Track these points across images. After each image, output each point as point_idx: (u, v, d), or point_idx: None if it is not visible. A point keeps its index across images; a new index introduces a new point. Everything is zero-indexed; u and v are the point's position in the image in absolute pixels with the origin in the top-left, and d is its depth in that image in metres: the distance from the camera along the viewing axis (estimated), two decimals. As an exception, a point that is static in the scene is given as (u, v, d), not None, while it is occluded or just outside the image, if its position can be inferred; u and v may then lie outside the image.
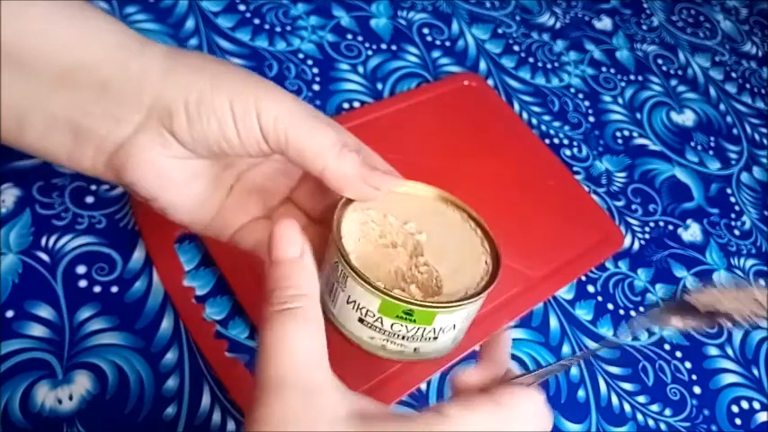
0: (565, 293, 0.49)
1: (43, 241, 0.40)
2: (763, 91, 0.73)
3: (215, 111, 0.27)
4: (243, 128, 0.27)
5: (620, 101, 0.65)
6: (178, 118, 0.27)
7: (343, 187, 0.29)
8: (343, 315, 0.29)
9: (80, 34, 0.26)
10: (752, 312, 0.29)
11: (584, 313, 0.48)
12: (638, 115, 0.64)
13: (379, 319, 0.28)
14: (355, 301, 0.28)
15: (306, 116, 0.28)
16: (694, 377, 0.48)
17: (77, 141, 0.27)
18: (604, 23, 0.72)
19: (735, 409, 0.47)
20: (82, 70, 0.26)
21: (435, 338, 0.29)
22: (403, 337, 0.29)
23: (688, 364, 0.48)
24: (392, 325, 0.28)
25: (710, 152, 0.64)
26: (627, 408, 0.45)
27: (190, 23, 0.54)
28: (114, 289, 0.40)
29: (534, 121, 0.59)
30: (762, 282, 0.30)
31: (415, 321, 0.28)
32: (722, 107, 0.69)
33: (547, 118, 0.60)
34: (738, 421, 0.47)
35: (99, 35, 0.27)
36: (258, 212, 0.33)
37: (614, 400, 0.45)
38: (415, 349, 0.29)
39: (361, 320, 0.29)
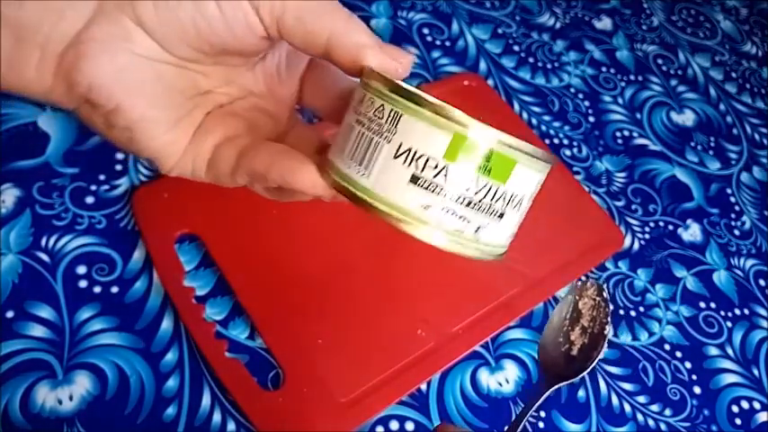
0: (565, 293, 0.49)
1: (43, 241, 0.40)
2: (763, 91, 0.73)
3: None
4: (230, 6, 0.22)
5: (620, 101, 0.65)
6: (146, 5, 0.22)
7: (360, 52, 0.23)
8: (387, 179, 0.22)
9: None
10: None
11: (584, 313, 0.48)
12: (638, 115, 0.64)
13: (444, 171, 0.22)
14: (410, 150, 0.22)
15: None
16: (694, 377, 0.48)
17: (17, 46, 0.22)
18: (604, 23, 0.72)
19: (735, 409, 0.47)
20: None
21: (501, 216, 0.23)
22: (469, 203, 0.22)
23: (688, 364, 0.48)
24: (461, 179, 0.22)
25: (710, 152, 0.64)
26: (627, 408, 0.45)
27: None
28: (114, 289, 0.40)
29: (534, 121, 0.59)
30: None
31: (490, 174, 0.22)
32: (722, 107, 0.69)
33: (547, 118, 0.60)
34: (738, 421, 0.47)
35: None
36: (235, 131, 0.26)
37: (614, 400, 0.45)
38: (477, 229, 0.23)
39: (414, 179, 0.22)
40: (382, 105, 0.22)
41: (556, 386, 0.31)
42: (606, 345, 0.32)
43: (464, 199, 0.22)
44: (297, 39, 0.23)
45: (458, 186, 0.22)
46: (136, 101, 0.23)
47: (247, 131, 0.27)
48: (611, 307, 0.32)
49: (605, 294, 0.32)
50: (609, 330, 0.32)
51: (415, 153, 0.22)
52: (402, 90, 0.22)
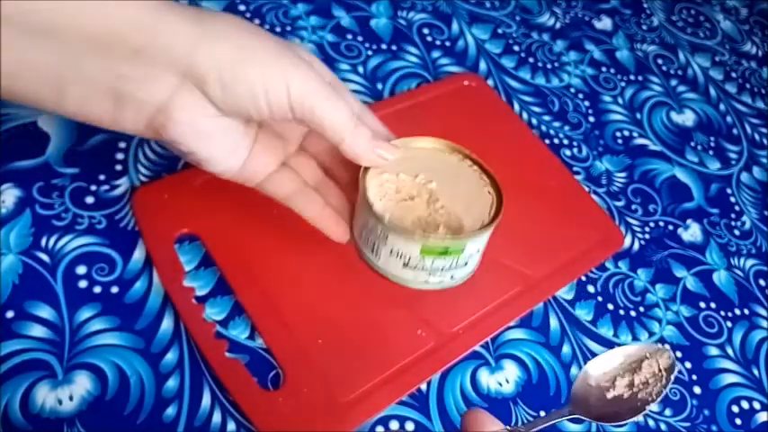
0: (565, 293, 0.49)
1: (43, 242, 0.40)
2: (763, 91, 0.73)
3: (249, 85, 0.30)
4: (274, 102, 0.31)
5: (620, 101, 0.65)
6: (213, 87, 0.30)
7: (359, 158, 0.34)
8: (389, 264, 0.35)
9: (108, 1, 0.27)
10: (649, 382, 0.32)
11: (584, 313, 0.48)
12: (638, 115, 0.64)
13: (421, 261, 0.35)
14: (399, 251, 0.34)
15: (329, 93, 0.32)
16: (694, 377, 0.48)
17: (118, 106, 0.30)
18: (604, 23, 0.72)
19: (735, 409, 0.47)
20: (114, 37, 0.28)
21: (466, 264, 0.36)
22: (442, 269, 0.35)
23: (688, 364, 0.48)
24: (432, 262, 0.35)
25: (710, 152, 0.64)
26: (627, 408, 0.45)
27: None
28: (114, 289, 0.40)
29: (534, 121, 0.59)
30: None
31: (450, 254, 0.35)
32: (722, 107, 0.69)
33: (547, 118, 0.60)
34: (738, 421, 0.47)
35: (126, 2, 0.28)
36: (280, 158, 0.37)
37: (614, 400, 0.45)
38: (451, 276, 0.36)
39: (405, 265, 0.35)
40: (376, 225, 0.35)
41: (574, 416, 0.31)
42: (637, 418, 0.32)
43: (439, 268, 0.36)
44: (316, 132, 0.33)
45: (433, 265, 0.35)
46: (205, 147, 0.32)
47: (284, 151, 0.37)
48: (668, 389, 0.31)
49: (673, 375, 0.32)
50: (650, 406, 0.31)
51: (402, 253, 0.35)
52: (383, 222, 0.34)
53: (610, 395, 0.32)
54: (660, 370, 0.32)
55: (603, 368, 0.32)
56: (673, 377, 0.32)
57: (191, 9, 0.30)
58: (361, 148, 0.34)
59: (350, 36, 0.59)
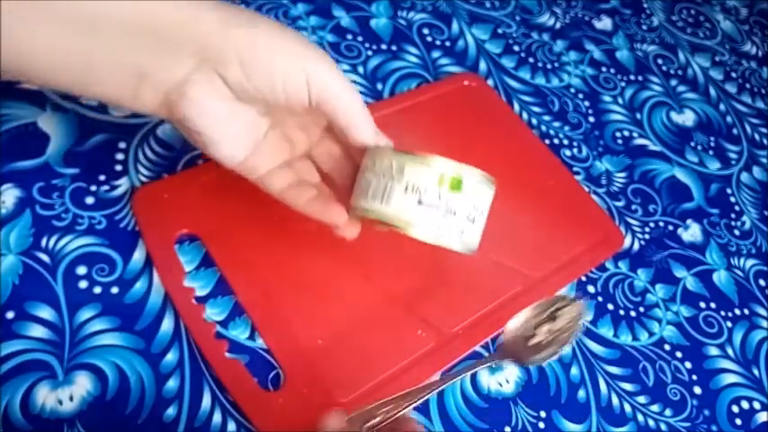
0: (565, 293, 0.49)
1: (43, 242, 0.40)
2: (763, 91, 0.73)
3: (270, 73, 0.31)
4: (292, 90, 0.32)
5: (620, 101, 0.65)
6: (233, 71, 0.31)
7: (366, 140, 0.35)
8: (402, 206, 0.34)
9: None
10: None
11: (584, 313, 0.48)
12: (638, 115, 0.64)
13: (437, 193, 0.33)
14: (414, 185, 0.33)
15: (344, 81, 0.33)
16: (694, 377, 0.48)
17: (139, 85, 0.31)
18: (604, 23, 0.72)
19: (735, 409, 0.47)
20: (146, 23, 0.30)
21: (473, 222, 0.35)
22: (454, 213, 0.34)
23: (688, 365, 0.48)
24: (447, 200, 0.33)
25: (710, 152, 0.64)
26: (627, 408, 0.45)
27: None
28: (114, 290, 0.40)
29: (534, 121, 0.59)
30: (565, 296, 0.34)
31: (464, 190, 0.34)
32: (722, 107, 0.69)
33: (547, 118, 0.60)
34: (738, 421, 0.47)
35: None
36: (285, 157, 0.38)
37: (614, 400, 0.45)
38: (461, 233, 0.34)
39: (420, 203, 0.33)
40: (391, 163, 0.34)
41: (502, 360, 0.37)
42: (555, 357, 0.37)
43: (452, 211, 0.34)
44: (326, 116, 0.34)
45: (448, 204, 0.34)
46: (213, 129, 0.33)
47: (290, 154, 0.38)
48: (581, 334, 0.37)
49: (585, 321, 0.37)
50: (567, 349, 0.37)
51: (417, 187, 0.33)
52: (403, 152, 0.34)
53: (532, 342, 0.37)
54: (575, 317, 0.38)
55: (527, 319, 0.38)
56: (582, 323, 0.37)
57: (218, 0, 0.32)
58: (368, 133, 0.35)
59: (350, 36, 0.59)
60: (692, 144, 0.64)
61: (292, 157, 0.38)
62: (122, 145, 0.46)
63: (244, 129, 0.35)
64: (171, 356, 0.38)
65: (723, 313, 0.52)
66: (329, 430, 0.31)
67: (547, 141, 0.58)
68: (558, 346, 0.37)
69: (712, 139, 0.65)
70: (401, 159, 0.34)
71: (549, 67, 0.64)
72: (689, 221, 0.57)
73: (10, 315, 0.37)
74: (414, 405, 0.34)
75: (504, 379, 0.43)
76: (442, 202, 0.33)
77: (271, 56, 0.31)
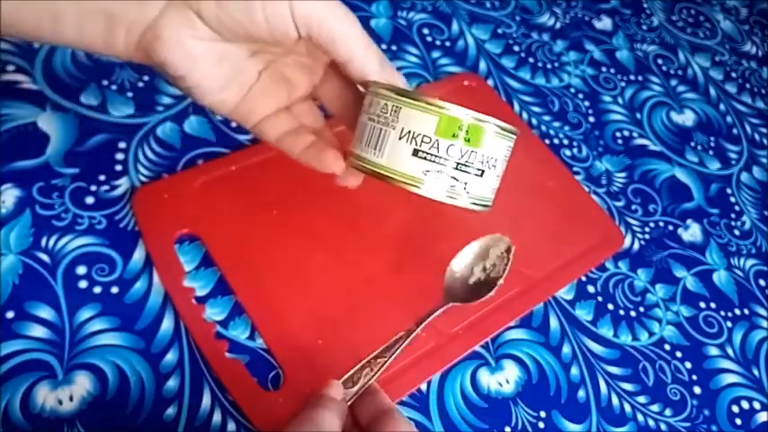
0: (565, 293, 0.49)
1: (43, 242, 0.40)
2: (763, 91, 0.73)
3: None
4: (272, 11, 0.28)
5: (620, 101, 0.65)
6: (207, 3, 0.28)
7: (368, 72, 0.31)
8: (396, 155, 0.30)
9: None
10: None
11: (584, 313, 0.48)
12: (638, 115, 0.64)
13: (435, 144, 0.29)
14: (410, 132, 0.30)
15: (339, 6, 0.29)
16: (694, 377, 0.48)
17: (110, 27, 0.29)
18: (604, 23, 0.72)
19: (735, 409, 0.47)
20: None
21: (482, 174, 0.31)
22: (456, 165, 0.30)
23: (688, 364, 0.48)
24: (448, 147, 0.29)
25: (710, 152, 0.64)
26: (627, 408, 0.45)
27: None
28: (114, 290, 0.40)
29: (534, 121, 0.59)
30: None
31: (468, 142, 0.30)
32: (722, 107, 0.69)
33: (547, 118, 0.60)
34: (738, 421, 0.47)
35: None
36: (282, 102, 0.34)
37: (614, 400, 0.45)
38: (465, 185, 0.30)
39: (415, 152, 0.30)
40: (386, 104, 0.30)
41: (449, 304, 0.40)
42: (495, 289, 0.41)
43: (452, 162, 0.30)
44: (323, 49, 0.30)
45: (446, 153, 0.30)
46: (196, 73, 0.30)
47: (289, 97, 0.35)
48: (510, 265, 0.41)
49: (511, 255, 0.41)
50: (500, 282, 0.41)
51: (414, 133, 0.29)
52: (400, 90, 0.30)
53: (471, 281, 0.41)
54: (502, 253, 0.41)
55: (463, 262, 0.42)
56: (511, 256, 0.41)
57: None
58: (372, 66, 0.31)
59: (350, 36, 0.59)
60: (692, 144, 0.64)
61: (292, 99, 0.35)
62: (122, 145, 0.46)
63: (232, 71, 0.32)
64: (171, 356, 0.38)
65: (723, 313, 0.52)
66: (331, 394, 0.34)
67: (547, 141, 0.58)
68: (493, 281, 0.41)
69: (712, 139, 0.65)
70: (398, 101, 0.30)
71: (549, 67, 0.64)
72: (689, 221, 0.57)
73: (10, 315, 0.37)
74: (389, 361, 0.36)
75: (504, 379, 0.43)
76: (441, 152, 0.30)
77: None
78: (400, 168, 0.30)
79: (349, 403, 0.35)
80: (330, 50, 0.30)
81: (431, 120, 0.29)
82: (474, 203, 0.31)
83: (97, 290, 0.39)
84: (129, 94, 0.48)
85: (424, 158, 0.30)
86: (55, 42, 0.30)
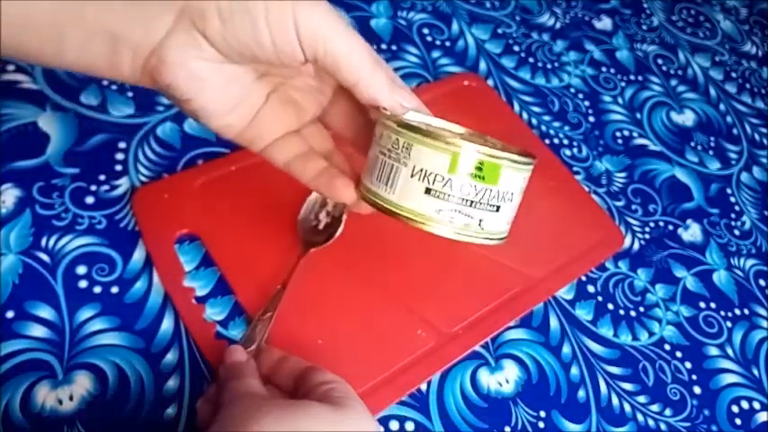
0: (565, 293, 0.49)
1: (43, 242, 0.40)
2: (763, 91, 0.73)
3: (249, 12, 0.27)
4: (278, 33, 0.27)
5: (620, 101, 0.65)
6: (211, 19, 0.27)
7: (377, 100, 0.29)
8: (407, 193, 0.29)
9: None
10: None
11: (584, 313, 0.48)
12: (638, 115, 0.64)
13: (449, 182, 0.28)
14: (422, 170, 0.29)
15: (345, 27, 0.28)
16: (694, 377, 0.48)
17: (115, 50, 0.28)
18: (604, 23, 0.72)
19: (735, 409, 0.47)
20: None
21: (497, 210, 0.30)
22: (471, 204, 0.29)
23: (688, 364, 0.48)
24: (462, 186, 0.28)
25: (710, 152, 0.64)
26: (627, 408, 0.45)
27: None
28: (114, 289, 0.40)
29: (534, 121, 0.59)
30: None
31: (483, 179, 0.29)
32: (722, 107, 0.69)
33: (547, 118, 0.60)
34: (738, 421, 0.47)
35: None
36: (291, 125, 0.34)
37: (614, 400, 0.45)
38: (480, 222, 0.30)
39: (427, 191, 0.29)
40: (397, 139, 0.29)
41: (311, 251, 0.42)
42: (343, 224, 0.43)
43: (466, 201, 0.29)
44: (329, 72, 0.29)
45: (460, 192, 0.29)
46: (203, 96, 0.30)
47: (298, 120, 0.34)
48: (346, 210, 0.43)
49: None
50: (344, 218, 0.43)
51: (426, 171, 0.28)
52: (410, 126, 0.29)
53: (320, 226, 0.44)
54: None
55: (307, 212, 0.44)
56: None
57: None
58: (380, 88, 0.29)
59: (350, 36, 0.59)
60: (692, 144, 0.64)
61: (301, 123, 0.34)
62: (122, 145, 0.46)
63: (240, 93, 0.31)
64: (171, 356, 0.38)
65: (723, 313, 0.52)
66: (239, 359, 0.35)
67: (547, 141, 0.58)
68: (338, 220, 0.44)
69: (712, 139, 0.65)
70: (409, 137, 0.29)
71: (549, 67, 0.64)
72: (689, 221, 0.57)
73: (10, 314, 0.37)
74: (275, 314, 0.38)
75: (504, 379, 0.43)
76: (455, 190, 0.29)
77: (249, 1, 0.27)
78: (412, 206, 0.29)
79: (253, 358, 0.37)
80: (335, 74, 0.29)
81: (443, 158, 0.28)
82: (488, 239, 0.30)
83: (97, 290, 0.39)
84: (129, 94, 0.48)
85: (437, 197, 0.29)
86: (58, 65, 0.29)
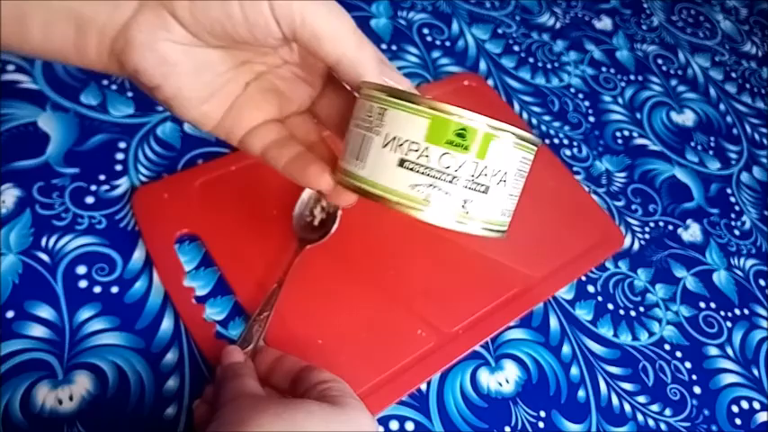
0: (565, 293, 0.49)
1: (43, 242, 0.40)
2: (763, 91, 0.73)
3: None
4: (250, 7, 0.25)
5: (620, 101, 0.65)
6: (180, 1, 0.25)
7: (362, 74, 0.27)
8: (380, 167, 0.25)
9: None
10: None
11: (584, 313, 0.48)
12: (638, 115, 0.64)
13: (425, 152, 0.24)
14: (395, 138, 0.24)
15: (326, 5, 0.26)
16: (694, 377, 0.48)
17: (80, 32, 0.26)
18: (604, 23, 0.72)
19: (735, 409, 0.47)
20: None
21: (486, 192, 0.25)
22: (452, 179, 0.24)
23: (688, 364, 0.48)
24: (441, 157, 0.24)
25: (710, 152, 0.64)
26: (627, 408, 0.45)
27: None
28: (114, 289, 0.40)
29: (534, 121, 0.59)
30: None
31: (467, 149, 0.24)
32: (722, 107, 0.69)
33: (547, 118, 0.60)
34: (738, 421, 0.47)
35: None
36: (271, 114, 0.31)
37: (614, 400, 0.45)
38: (464, 203, 0.25)
39: (402, 163, 0.24)
40: (371, 105, 0.25)
41: (306, 247, 0.42)
42: (338, 222, 0.43)
43: (445, 174, 0.24)
44: (310, 50, 0.27)
45: (438, 164, 0.24)
46: (173, 81, 0.27)
47: (280, 110, 0.31)
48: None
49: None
50: (339, 212, 0.44)
51: (400, 139, 0.24)
52: (385, 87, 0.25)
53: (316, 222, 0.44)
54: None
55: (302, 209, 0.44)
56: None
57: None
58: (367, 66, 0.27)
59: (350, 36, 0.59)
60: (692, 144, 0.64)
61: (284, 113, 0.32)
62: (122, 145, 0.46)
63: (214, 81, 0.29)
64: (171, 356, 0.38)
65: (723, 313, 0.52)
66: (236, 359, 0.35)
67: (547, 141, 0.58)
68: (333, 215, 0.44)
69: (712, 139, 0.65)
70: (384, 102, 0.25)
71: (549, 67, 0.64)
72: (689, 221, 0.57)
73: (10, 314, 0.37)
74: (271, 314, 0.38)
75: (503, 379, 0.43)
76: (432, 161, 0.24)
77: None
78: (383, 182, 0.25)
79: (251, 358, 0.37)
80: (317, 50, 0.26)
81: (420, 123, 0.24)
82: (484, 228, 0.26)
83: (97, 290, 0.39)
84: (129, 94, 0.48)
85: (412, 169, 0.24)
86: (24, 50, 0.27)
